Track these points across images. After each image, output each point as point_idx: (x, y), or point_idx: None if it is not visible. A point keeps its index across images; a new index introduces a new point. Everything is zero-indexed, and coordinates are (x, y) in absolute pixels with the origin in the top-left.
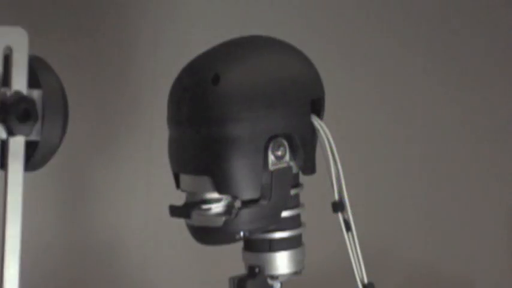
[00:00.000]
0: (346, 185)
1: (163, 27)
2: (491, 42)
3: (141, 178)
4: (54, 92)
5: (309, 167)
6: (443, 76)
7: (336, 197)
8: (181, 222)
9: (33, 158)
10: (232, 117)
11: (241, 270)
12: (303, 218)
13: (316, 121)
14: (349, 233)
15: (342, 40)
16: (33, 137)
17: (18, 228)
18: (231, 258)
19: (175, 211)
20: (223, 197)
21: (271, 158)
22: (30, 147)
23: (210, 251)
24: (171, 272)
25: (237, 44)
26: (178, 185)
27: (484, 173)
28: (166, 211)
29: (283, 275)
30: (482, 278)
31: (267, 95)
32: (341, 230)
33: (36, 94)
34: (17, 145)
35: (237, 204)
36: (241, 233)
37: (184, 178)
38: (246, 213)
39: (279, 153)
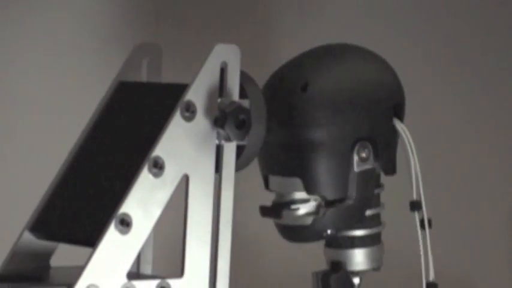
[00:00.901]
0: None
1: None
2: (491, 42)
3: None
4: (259, 102)
5: (391, 168)
6: (443, 76)
7: (415, 196)
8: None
9: (239, 161)
10: (320, 123)
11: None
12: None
13: (398, 125)
14: (423, 232)
15: (341, 40)
16: (241, 142)
17: (230, 222)
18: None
19: (265, 211)
20: (312, 197)
21: (356, 160)
22: (236, 152)
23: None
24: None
25: (324, 51)
26: (267, 186)
27: (484, 173)
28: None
29: (363, 271)
30: (482, 278)
31: (353, 101)
32: (412, 228)
33: (246, 104)
34: (230, 150)
35: (324, 203)
36: (329, 231)
37: (274, 179)
38: (332, 212)
39: (364, 155)
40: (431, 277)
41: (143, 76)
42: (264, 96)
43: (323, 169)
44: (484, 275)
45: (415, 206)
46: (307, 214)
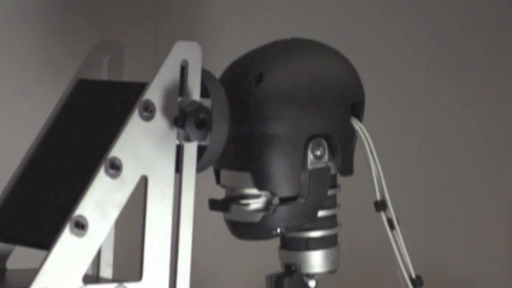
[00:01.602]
0: (346, 186)
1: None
2: (492, 42)
3: None
4: (221, 101)
5: (347, 169)
6: (443, 76)
7: (378, 196)
8: (219, 217)
9: (201, 161)
10: (273, 116)
11: (276, 268)
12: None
13: (356, 123)
14: (393, 231)
15: (342, 40)
16: (203, 142)
17: (191, 224)
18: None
19: (214, 205)
20: (262, 193)
21: (310, 157)
22: (198, 152)
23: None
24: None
25: (281, 45)
26: (218, 181)
27: (484, 173)
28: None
29: (318, 274)
30: (482, 278)
31: (309, 96)
32: (384, 228)
33: (207, 103)
34: (191, 150)
35: (275, 201)
36: (278, 229)
37: (225, 173)
38: (283, 210)
39: (318, 153)
40: (412, 273)
41: (104, 74)
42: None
43: (274, 164)
44: (484, 275)
45: (380, 206)
46: (257, 210)
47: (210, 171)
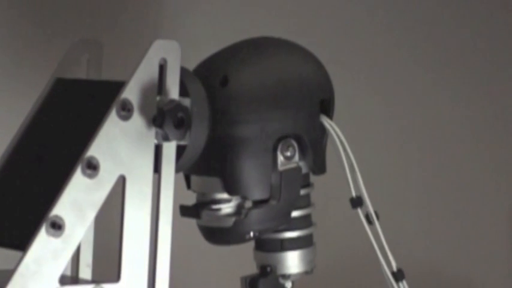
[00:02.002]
0: (346, 186)
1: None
2: (492, 42)
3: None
4: (201, 100)
5: (319, 167)
6: (443, 76)
7: (353, 193)
8: (191, 222)
9: (180, 161)
10: (240, 119)
11: (252, 269)
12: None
13: (325, 121)
14: (371, 226)
15: (342, 40)
16: (182, 141)
17: (170, 225)
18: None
19: (185, 211)
20: (233, 197)
21: (280, 158)
22: (177, 151)
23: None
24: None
25: (245, 45)
26: (189, 186)
27: (484, 173)
28: (176, 212)
29: (294, 274)
30: (482, 278)
31: (275, 96)
32: (354, 227)
33: (186, 102)
34: (169, 150)
35: (247, 204)
36: (251, 233)
37: (195, 179)
38: (255, 213)
39: (288, 153)
40: (394, 266)
41: (83, 73)
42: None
43: (244, 168)
44: (484, 275)
45: (356, 202)
46: (229, 215)
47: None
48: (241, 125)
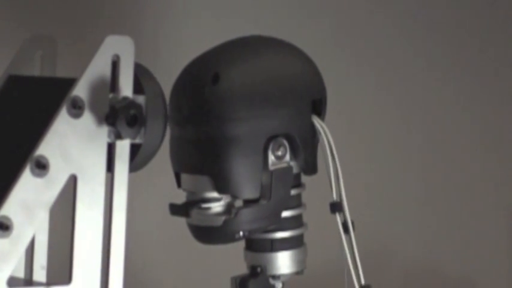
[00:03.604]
0: (346, 185)
1: (162, 28)
2: (493, 43)
3: (143, 178)
4: (157, 98)
5: (310, 167)
6: (443, 77)
7: (334, 197)
8: (182, 221)
9: (135, 160)
10: (231, 117)
11: (242, 269)
12: (305, 218)
13: (316, 121)
14: (347, 235)
15: (342, 40)
16: (137, 140)
17: (123, 225)
18: (232, 258)
19: (174, 210)
20: (223, 196)
21: (271, 158)
22: (132, 150)
23: (211, 250)
24: (172, 272)
25: (238, 43)
26: (179, 184)
27: (484, 173)
28: (167, 211)
29: (284, 275)
30: (482, 278)
31: (267, 95)
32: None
33: (140, 100)
34: (123, 148)
35: (237, 204)
36: (241, 233)
37: (185, 177)
38: (245, 213)
39: (279, 153)
40: (362, 280)
41: (37, 70)
42: (174, 89)
43: (234, 167)
44: (484, 275)
45: (336, 207)
46: (218, 214)
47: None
48: (231, 123)
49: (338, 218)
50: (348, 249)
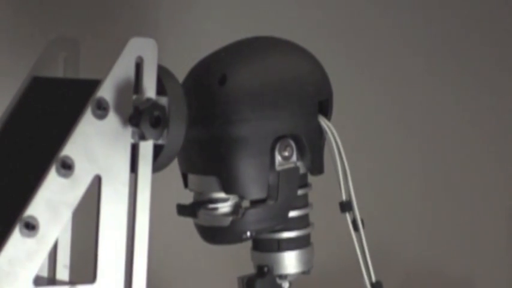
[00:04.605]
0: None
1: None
2: (492, 42)
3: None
4: (179, 99)
5: (317, 168)
6: (443, 77)
7: (344, 197)
8: (189, 222)
9: (158, 160)
10: (238, 118)
11: (249, 269)
12: (311, 218)
13: (323, 122)
14: (357, 233)
15: (342, 40)
16: (159, 141)
17: (147, 225)
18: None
19: (182, 210)
20: (230, 196)
21: (278, 158)
22: (154, 151)
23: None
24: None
25: (245, 44)
26: (186, 185)
27: (484, 173)
28: (174, 211)
29: (291, 275)
30: (482, 278)
31: (274, 96)
32: (349, 229)
33: (163, 101)
34: (146, 149)
35: (244, 204)
36: (248, 233)
37: (192, 178)
38: (252, 213)
39: (286, 153)
40: (373, 277)
41: (60, 71)
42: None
43: (241, 167)
44: (484, 275)
45: (345, 207)
46: (226, 215)
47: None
48: (239, 124)
49: (348, 217)
50: (358, 247)
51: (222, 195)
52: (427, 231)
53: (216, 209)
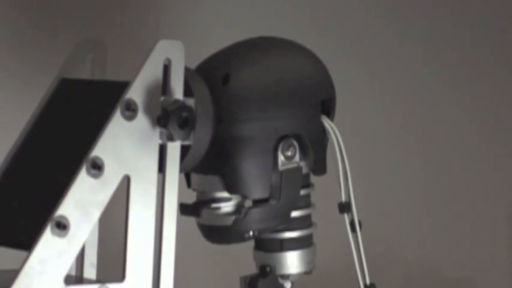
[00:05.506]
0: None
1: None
2: (492, 43)
3: None
4: (205, 100)
5: (320, 168)
6: (443, 76)
7: (343, 197)
8: (192, 221)
9: (185, 161)
10: (241, 118)
11: (252, 269)
12: (313, 218)
13: (326, 122)
14: (354, 234)
15: (343, 41)
16: (186, 141)
17: (174, 224)
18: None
19: (185, 209)
20: (233, 196)
21: (280, 158)
22: (181, 151)
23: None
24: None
25: (248, 44)
26: (189, 184)
27: (484, 173)
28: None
29: (294, 275)
30: (482, 278)
31: (277, 96)
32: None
33: (190, 102)
34: (174, 149)
35: (247, 203)
36: (251, 233)
37: (195, 177)
38: (255, 212)
39: (289, 153)
40: (367, 279)
41: (87, 73)
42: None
43: (244, 167)
44: (484, 275)
45: (344, 208)
46: (228, 214)
47: None
48: (242, 123)
49: (346, 218)
50: (355, 248)
51: (225, 194)
52: (427, 231)
53: (218, 208)
